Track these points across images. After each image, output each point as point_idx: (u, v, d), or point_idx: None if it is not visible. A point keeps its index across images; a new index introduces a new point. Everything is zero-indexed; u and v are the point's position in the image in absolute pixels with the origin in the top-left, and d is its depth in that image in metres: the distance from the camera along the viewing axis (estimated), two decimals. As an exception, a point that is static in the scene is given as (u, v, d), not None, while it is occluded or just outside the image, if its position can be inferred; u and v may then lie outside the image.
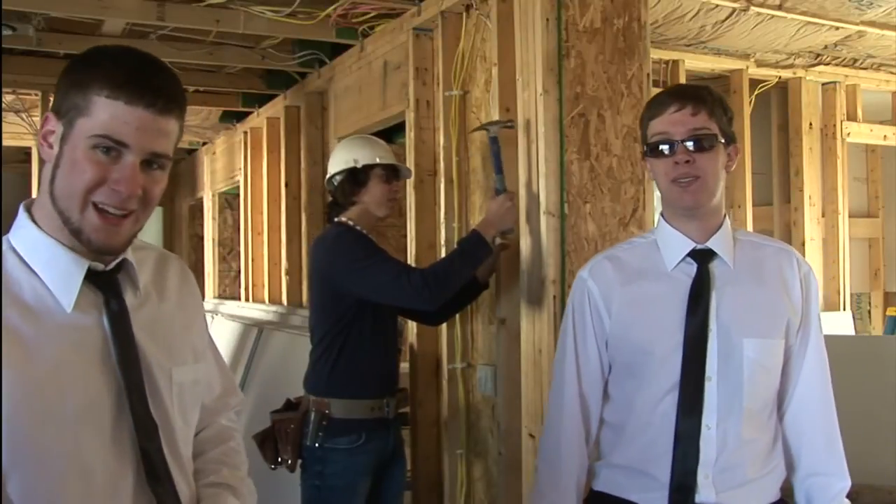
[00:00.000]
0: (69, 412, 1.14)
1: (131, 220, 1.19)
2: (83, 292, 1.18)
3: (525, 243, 2.80)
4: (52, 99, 1.21)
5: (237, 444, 1.48)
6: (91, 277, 1.19)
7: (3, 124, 5.05)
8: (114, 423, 1.18)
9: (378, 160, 2.78)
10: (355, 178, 2.77)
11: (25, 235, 1.19)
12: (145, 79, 1.15)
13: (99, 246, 1.17)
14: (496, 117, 2.97)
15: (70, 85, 1.15)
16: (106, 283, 1.21)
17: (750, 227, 5.11)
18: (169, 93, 1.17)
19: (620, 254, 1.85)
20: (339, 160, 2.83)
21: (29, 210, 1.22)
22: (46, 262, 1.17)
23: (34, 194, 5.20)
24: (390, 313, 2.84)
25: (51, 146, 1.17)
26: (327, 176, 2.88)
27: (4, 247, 1.19)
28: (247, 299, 5.82)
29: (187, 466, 1.31)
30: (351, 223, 2.78)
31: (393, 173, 2.81)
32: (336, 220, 2.82)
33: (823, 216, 5.29)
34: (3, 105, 5.00)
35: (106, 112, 1.12)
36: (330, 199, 2.93)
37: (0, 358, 1.10)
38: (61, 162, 1.15)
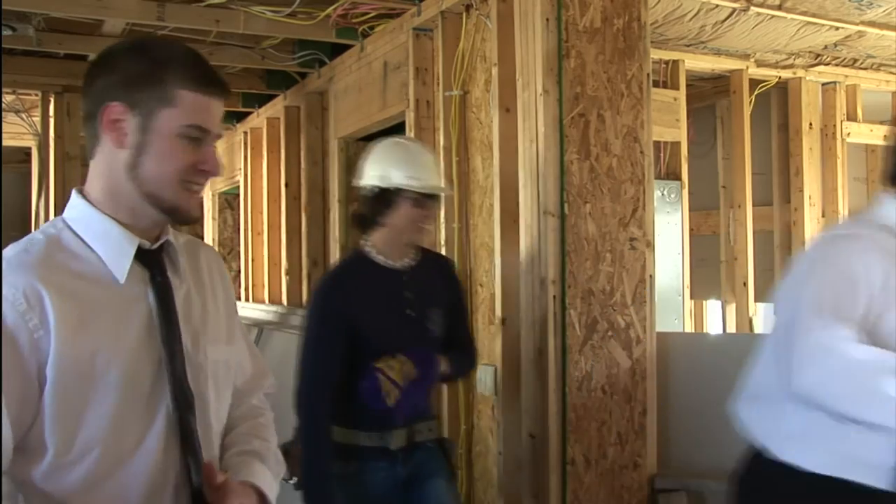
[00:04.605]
0: (113, 378, 1.22)
1: (202, 192, 1.34)
2: (132, 267, 1.27)
3: (525, 243, 2.80)
4: (94, 87, 1.27)
5: (267, 420, 1.54)
6: (139, 255, 1.29)
7: (3, 124, 5.05)
8: (150, 391, 1.25)
9: (411, 183, 2.40)
10: (383, 197, 2.42)
11: (81, 214, 1.29)
12: (214, 73, 1.29)
13: (190, 217, 1.31)
14: (496, 117, 2.96)
15: (139, 77, 1.24)
16: (152, 260, 1.30)
17: (750, 227, 5.12)
18: (226, 83, 1.32)
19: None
20: (371, 171, 2.47)
21: (81, 192, 1.31)
22: (102, 238, 1.27)
23: (34, 194, 5.23)
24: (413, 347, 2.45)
25: (124, 134, 1.25)
26: (357, 181, 2.52)
27: (60, 224, 1.28)
28: (247, 299, 5.82)
29: (215, 441, 1.38)
30: (370, 251, 2.46)
31: (427, 196, 2.44)
32: (360, 244, 2.52)
33: (823, 216, 5.29)
34: (3, 105, 5.01)
35: (192, 104, 1.25)
36: (359, 205, 2.55)
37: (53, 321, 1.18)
38: (148, 149, 1.25)
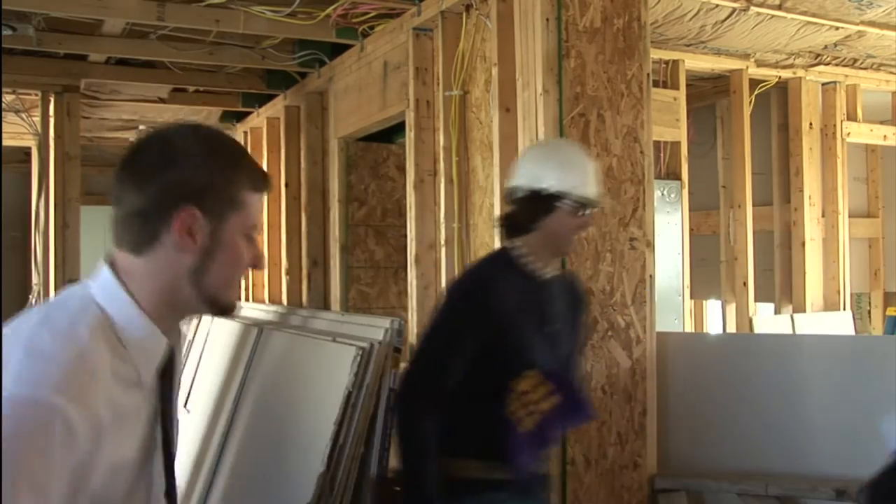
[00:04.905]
0: (122, 484, 1.15)
1: None
2: None
3: (525, 243, 2.80)
4: (159, 182, 1.18)
5: None
6: None
7: (3, 124, 5.04)
8: (135, 481, 1.19)
9: (570, 190, 2.20)
10: (538, 201, 2.21)
11: (121, 309, 1.18)
12: (264, 170, 1.29)
13: (235, 312, 1.27)
14: (496, 117, 2.95)
15: (214, 181, 1.20)
16: (168, 357, 1.24)
17: (750, 227, 5.12)
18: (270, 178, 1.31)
19: None
20: (526, 174, 2.27)
21: (117, 276, 1.19)
22: (140, 340, 1.18)
23: (34, 194, 5.22)
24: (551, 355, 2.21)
25: (196, 240, 1.18)
26: (510, 184, 2.33)
27: (95, 311, 1.16)
28: (247, 299, 5.82)
29: None
30: (520, 254, 2.24)
31: (584, 205, 2.24)
32: (507, 244, 2.30)
33: (823, 216, 5.29)
34: (3, 105, 5.01)
35: (254, 205, 1.23)
36: (509, 206, 2.33)
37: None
38: (216, 254, 1.20)
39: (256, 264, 1.26)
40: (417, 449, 2.12)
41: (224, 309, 1.25)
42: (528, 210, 2.23)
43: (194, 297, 1.21)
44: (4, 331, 1.11)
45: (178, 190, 1.17)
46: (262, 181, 1.25)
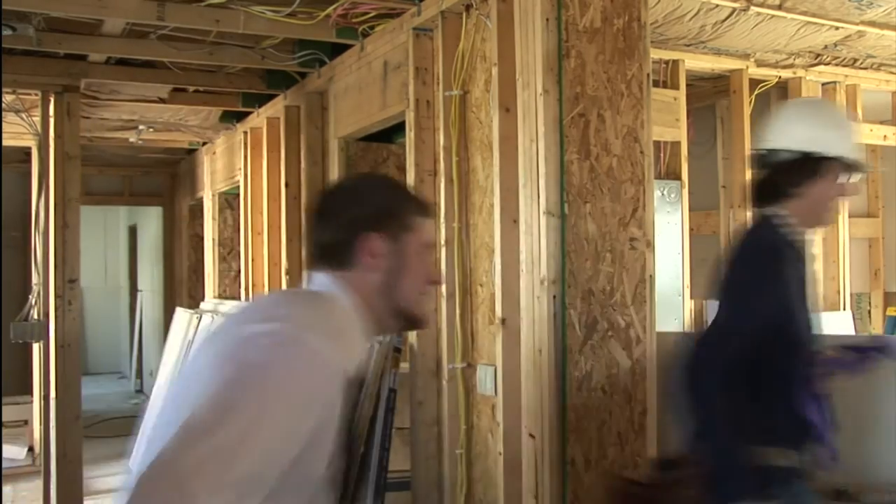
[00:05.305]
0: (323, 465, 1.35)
1: None
2: None
3: (525, 243, 2.80)
4: (345, 216, 1.49)
5: None
6: None
7: (3, 124, 5.04)
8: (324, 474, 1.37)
9: (845, 153, 2.03)
10: (808, 165, 2.03)
11: (346, 304, 1.44)
12: (427, 201, 1.63)
13: (426, 323, 1.54)
14: (496, 117, 2.96)
15: (388, 210, 1.49)
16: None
17: (750, 227, 5.11)
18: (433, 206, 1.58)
19: None
20: (792, 135, 2.08)
21: (344, 287, 1.45)
22: (354, 335, 1.42)
23: (34, 194, 5.22)
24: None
25: (380, 260, 1.46)
26: (767, 145, 2.12)
27: (352, 314, 1.43)
28: (247, 299, 5.82)
29: None
30: (781, 222, 2.07)
31: (856, 170, 2.07)
32: (766, 212, 2.12)
33: (823, 216, 5.28)
34: (4, 105, 5.00)
35: (424, 228, 1.52)
36: (763, 171, 2.14)
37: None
38: (399, 270, 1.47)
39: (436, 279, 1.55)
40: (728, 421, 1.96)
41: (413, 320, 1.51)
42: (792, 174, 2.05)
43: (387, 311, 1.46)
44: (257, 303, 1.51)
45: (360, 221, 1.46)
46: (426, 208, 1.55)
